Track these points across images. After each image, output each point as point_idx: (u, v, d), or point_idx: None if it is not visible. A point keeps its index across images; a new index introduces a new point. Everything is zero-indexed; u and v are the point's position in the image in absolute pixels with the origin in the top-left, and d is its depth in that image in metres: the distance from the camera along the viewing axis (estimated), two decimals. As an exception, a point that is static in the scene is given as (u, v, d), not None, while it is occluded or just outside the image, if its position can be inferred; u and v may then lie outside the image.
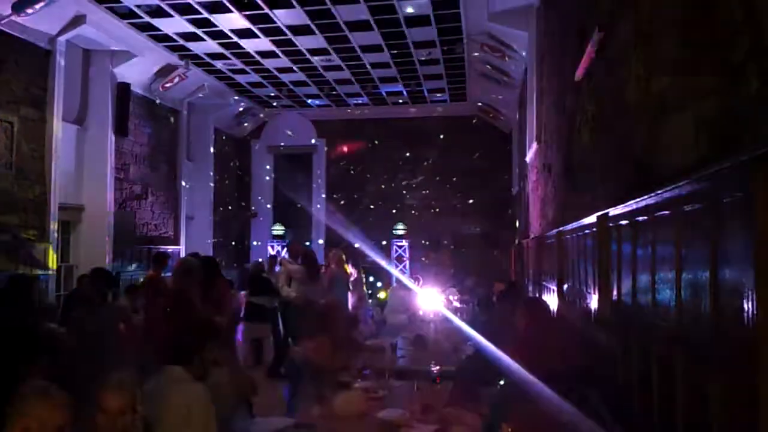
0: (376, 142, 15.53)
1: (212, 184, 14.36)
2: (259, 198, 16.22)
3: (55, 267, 8.94)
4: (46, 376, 2.79)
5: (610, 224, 3.11)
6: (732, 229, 1.63)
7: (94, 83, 10.38)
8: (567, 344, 3.78)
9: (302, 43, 10.60)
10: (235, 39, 10.41)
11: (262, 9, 9.05)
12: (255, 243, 16.14)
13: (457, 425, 3.39)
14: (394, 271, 13.83)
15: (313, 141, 15.94)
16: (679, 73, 2.20)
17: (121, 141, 10.74)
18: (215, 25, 9.77)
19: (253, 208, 16.20)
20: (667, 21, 2.34)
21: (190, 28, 9.92)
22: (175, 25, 9.76)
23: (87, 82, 10.36)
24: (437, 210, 15.29)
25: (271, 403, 5.63)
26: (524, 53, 8.92)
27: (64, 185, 9.33)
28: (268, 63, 11.80)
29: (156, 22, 9.62)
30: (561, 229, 4.98)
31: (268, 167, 16.23)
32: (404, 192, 15.50)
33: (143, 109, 11.65)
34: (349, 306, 8.67)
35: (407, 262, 14.84)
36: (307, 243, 13.94)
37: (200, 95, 13.02)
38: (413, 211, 15.39)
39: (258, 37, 10.26)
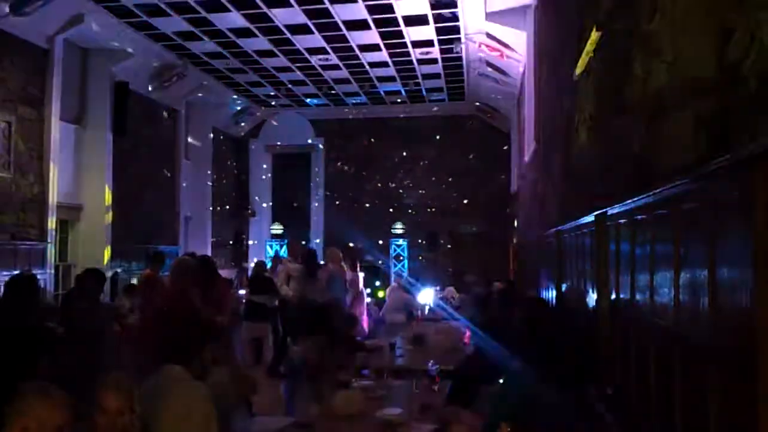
0: (375, 141, 15.54)
1: (210, 184, 14.36)
2: (256, 198, 16.22)
3: (53, 266, 8.93)
4: (46, 375, 2.79)
5: (609, 223, 3.12)
6: (731, 228, 1.63)
7: (93, 82, 10.36)
8: (567, 343, 3.79)
9: (300, 42, 10.59)
10: (234, 38, 10.40)
11: (261, 8, 9.05)
12: (253, 242, 16.14)
13: (456, 424, 3.39)
14: (393, 270, 13.84)
15: (311, 140, 15.93)
16: (678, 72, 2.20)
17: (120, 140, 10.72)
18: (213, 25, 9.77)
19: (250, 207, 16.20)
20: (665, 20, 2.34)
21: (189, 27, 9.91)
22: (173, 24, 9.75)
23: (85, 81, 10.35)
24: (436, 209, 15.29)
25: (270, 402, 5.62)
26: (522, 52, 8.93)
27: (62, 184, 9.32)
28: (267, 62, 11.79)
29: (154, 21, 9.62)
30: (559, 228, 4.99)
31: (266, 166, 16.22)
32: (403, 191, 15.51)
33: (142, 108, 11.63)
34: (346, 304, 8.67)
35: (406, 261, 14.84)
36: (303, 242, 13.93)
37: (199, 94, 13.01)
38: (412, 211, 15.40)
39: (256, 36, 10.26)
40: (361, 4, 8.95)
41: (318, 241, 15.22)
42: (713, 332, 1.74)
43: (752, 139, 1.51)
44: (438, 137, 15.16)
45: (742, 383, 1.53)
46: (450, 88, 13.58)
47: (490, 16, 8.57)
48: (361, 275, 9.98)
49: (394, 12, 9.23)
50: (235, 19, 9.48)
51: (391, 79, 12.85)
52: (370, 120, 15.43)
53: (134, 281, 9.62)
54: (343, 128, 15.67)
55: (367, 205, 15.57)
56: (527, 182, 9.07)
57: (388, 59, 11.51)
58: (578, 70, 4.07)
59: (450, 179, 15.13)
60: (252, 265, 14.18)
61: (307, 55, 11.31)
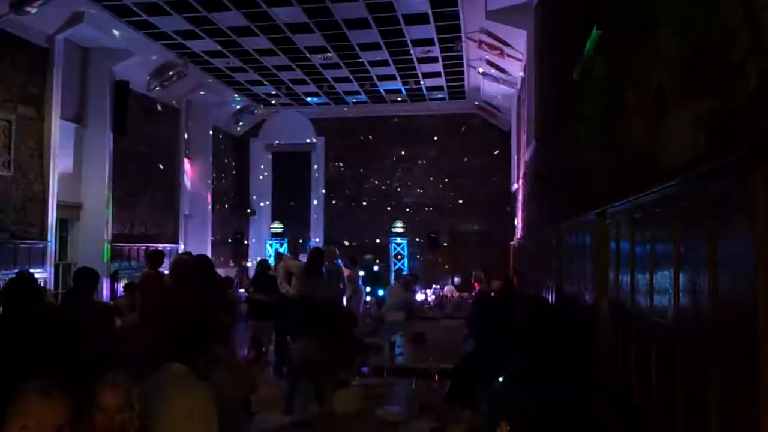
0: (375, 140, 15.53)
1: (210, 182, 14.36)
2: (254, 197, 16.22)
3: (53, 265, 8.94)
4: (47, 374, 2.79)
5: (609, 222, 3.12)
6: (731, 227, 1.63)
7: (93, 81, 10.36)
8: (566, 342, 3.79)
9: (301, 41, 10.59)
10: (234, 37, 10.40)
11: (261, 7, 9.04)
12: (252, 241, 16.14)
13: (456, 423, 3.39)
14: (393, 269, 13.84)
15: (311, 139, 15.92)
16: (679, 72, 2.20)
17: (120, 139, 10.72)
18: (213, 23, 9.76)
19: (250, 206, 16.20)
20: (667, 19, 2.34)
21: (189, 26, 9.90)
22: (173, 22, 9.75)
23: (85, 80, 10.35)
24: (436, 208, 15.30)
25: (270, 400, 5.63)
26: (523, 51, 8.93)
27: (62, 183, 9.32)
28: (267, 61, 11.79)
29: (154, 20, 9.61)
30: (559, 226, 4.98)
31: (266, 165, 16.22)
32: (403, 190, 15.51)
33: (142, 107, 11.63)
34: (343, 302, 8.71)
35: (405, 260, 14.85)
36: (300, 240, 13.92)
37: (200, 93, 13.01)
38: (412, 209, 15.40)
39: (256, 35, 10.25)
40: (361, 3, 8.94)
41: (318, 240, 15.22)
42: (714, 332, 1.74)
43: (753, 138, 1.51)
44: (438, 136, 15.15)
45: (743, 383, 1.53)
46: (450, 87, 13.58)
47: (491, 15, 8.56)
48: (361, 273, 10.00)
49: (394, 10, 9.22)
50: (235, 17, 9.48)
51: (392, 77, 12.84)
52: (370, 119, 15.43)
53: (134, 280, 9.63)
54: (344, 127, 15.67)
55: (367, 203, 15.57)
56: (527, 181, 9.07)
57: (389, 58, 11.51)
58: (578, 69, 4.07)
59: (450, 178, 15.13)
60: (253, 264, 14.22)
61: (307, 54, 11.30)
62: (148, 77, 11.49)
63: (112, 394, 2.42)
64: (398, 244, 14.92)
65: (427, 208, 15.34)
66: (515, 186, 12.38)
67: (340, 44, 10.77)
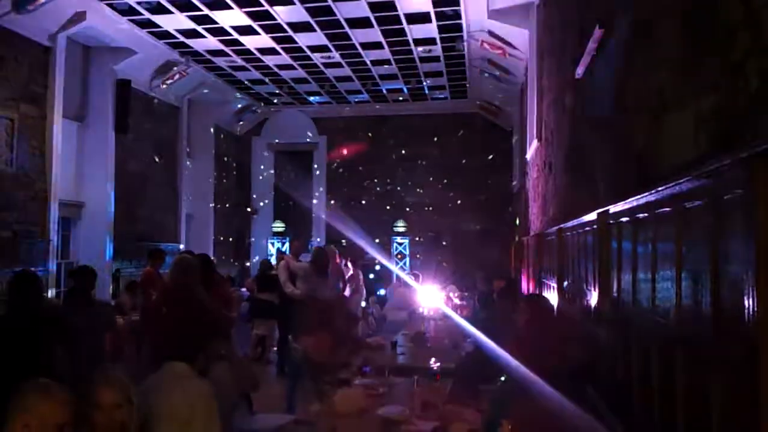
0: (377, 139, 15.52)
1: (212, 181, 14.36)
2: (254, 196, 16.22)
3: (55, 263, 8.94)
4: (47, 373, 2.79)
5: (611, 221, 3.11)
6: (733, 226, 1.63)
7: (95, 80, 10.36)
8: (567, 341, 3.79)
9: (302, 40, 10.59)
10: (236, 36, 10.40)
11: (263, 6, 9.04)
12: (254, 240, 16.15)
13: (457, 422, 3.39)
14: (395, 268, 13.84)
15: (313, 138, 15.92)
16: (680, 71, 2.20)
17: (122, 137, 10.73)
18: (215, 22, 9.76)
19: (251, 205, 16.20)
20: (668, 18, 2.33)
21: (191, 25, 9.91)
22: (175, 21, 9.75)
23: (87, 79, 10.35)
24: (437, 207, 15.28)
25: (271, 399, 5.64)
26: (525, 50, 8.92)
27: (64, 182, 9.32)
28: (269, 60, 11.78)
29: (156, 18, 9.61)
30: (561, 226, 4.98)
31: (267, 165, 16.22)
32: (405, 189, 15.49)
33: (143, 105, 11.64)
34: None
35: (407, 259, 14.85)
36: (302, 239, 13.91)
37: (203, 91, 13.01)
38: (413, 208, 15.39)
39: (258, 33, 10.25)
40: (363, 2, 8.94)
41: (319, 239, 15.22)
42: (715, 331, 1.73)
43: (754, 137, 1.51)
44: (440, 135, 15.13)
45: (744, 383, 1.52)
46: (452, 86, 13.57)
47: (493, 14, 8.55)
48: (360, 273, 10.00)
49: (396, 9, 9.22)
50: (236, 16, 9.47)
51: (393, 76, 12.83)
52: (372, 118, 15.42)
53: (136, 278, 9.64)
54: (345, 126, 15.66)
55: (366, 203, 15.56)
56: (529, 180, 9.07)
57: (390, 57, 11.50)
58: (580, 68, 4.07)
59: (452, 177, 15.11)
60: (254, 263, 14.23)
61: (309, 53, 11.30)
62: (151, 76, 11.49)
63: (109, 391, 2.42)
64: (400, 244, 14.92)
65: (430, 207, 15.33)
66: (517, 185, 12.37)
67: (342, 43, 10.76)
